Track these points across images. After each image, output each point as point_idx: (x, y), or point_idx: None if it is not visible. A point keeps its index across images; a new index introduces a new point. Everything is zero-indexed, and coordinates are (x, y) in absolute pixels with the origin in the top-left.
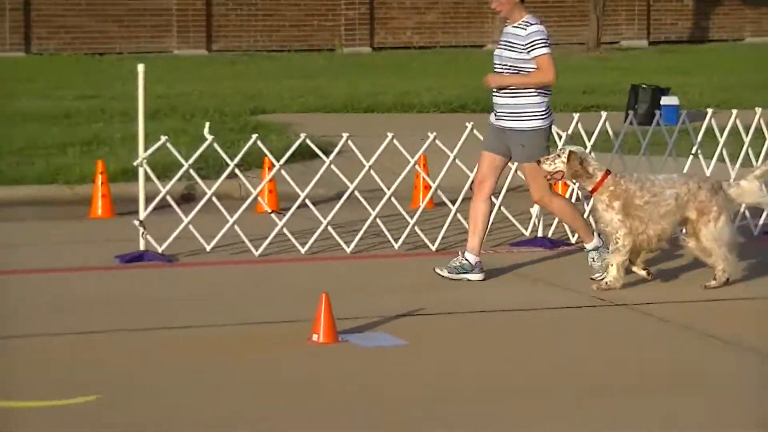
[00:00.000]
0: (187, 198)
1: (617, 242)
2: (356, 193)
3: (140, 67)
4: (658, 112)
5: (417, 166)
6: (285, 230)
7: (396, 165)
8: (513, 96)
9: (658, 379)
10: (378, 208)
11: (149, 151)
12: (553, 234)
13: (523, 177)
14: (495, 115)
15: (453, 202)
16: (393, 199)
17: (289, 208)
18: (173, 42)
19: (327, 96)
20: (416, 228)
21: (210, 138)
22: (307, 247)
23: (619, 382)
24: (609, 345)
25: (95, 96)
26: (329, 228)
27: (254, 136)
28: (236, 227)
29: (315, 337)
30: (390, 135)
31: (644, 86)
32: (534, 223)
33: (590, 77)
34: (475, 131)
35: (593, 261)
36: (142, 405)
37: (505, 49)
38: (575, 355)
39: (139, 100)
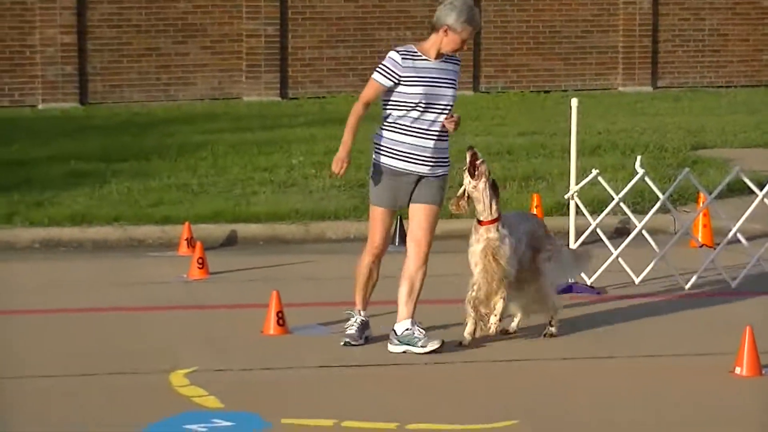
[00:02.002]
0: (621, 232)
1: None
2: None
3: (573, 102)
4: None
5: None
6: (714, 264)
7: None
8: (446, 139)
9: None
10: None
11: (580, 185)
12: None
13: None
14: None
15: None
16: None
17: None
18: (618, 79)
19: None
20: None
21: (641, 171)
22: (737, 281)
23: None
24: None
25: (537, 132)
26: (761, 263)
27: (685, 170)
28: (666, 260)
29: (738, 370)
30: None
31: None
32: None
33: None
34: None
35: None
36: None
37: (450, 87)
38: None
39: (572, 134)
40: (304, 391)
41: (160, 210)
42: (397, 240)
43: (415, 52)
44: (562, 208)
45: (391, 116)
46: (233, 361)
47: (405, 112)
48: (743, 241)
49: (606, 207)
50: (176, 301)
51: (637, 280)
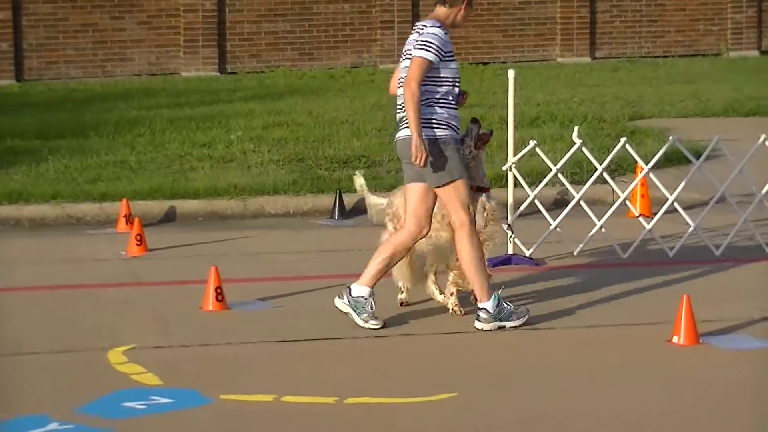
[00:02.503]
0: (560, 203)
1: None
2: (726, 196)
3: (510, 73)
4: None
5: None
6: (653, 234)
7: None
8: None
9: None
10: (748, 211)
11: (518, 156)
12: None
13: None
14: None
15: None
16: (766, 202)
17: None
18: (556, 50)
19: (708, 100)
20: None
21: (578, 142)
22: (674, 250)
23: None
24: None
25: (476, 105)
26: (698, 232)
27: (622, 140)
28: (604, 231)
29: (675, 339)
30: (762, 137)
31: None
32: None
33: None
34: None
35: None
36: (498, 404)
37: None
38: None
39: (509, 106)
40: (243, 366)
41: (98, 187)
42: (336, 214)
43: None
44: (501, 180)
45: (437, 92)
46: (172, 338)
47: (449, 87)
48: (680, 210)
49: (545, 178)
50: (115, 278)
51: (575, 251)
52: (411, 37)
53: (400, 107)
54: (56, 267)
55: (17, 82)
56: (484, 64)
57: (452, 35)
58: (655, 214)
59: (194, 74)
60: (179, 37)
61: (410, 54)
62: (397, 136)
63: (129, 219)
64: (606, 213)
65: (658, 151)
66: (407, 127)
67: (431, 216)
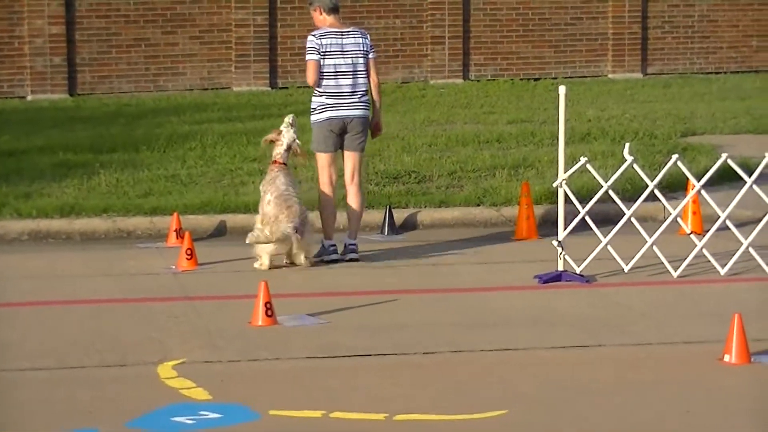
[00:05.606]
0: (611, 220)
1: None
2: None
3: (561, 89)
4: None
5: None
6: (705, 251)
7: None
8: None
9: None
10: None
11: (569, 173)
12: None
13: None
14: None
15: None
16: None
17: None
18: (608, 66)
19: (760, 117)
20: None
21: (629, 159)
22: (726, 268)
23: None
24: None
25: (527, 120)
26: (750, 249)
27: (674, 157)
28: (655, 248)
29: (727, 358)
30: None
31: None
32: None
33: None
34: None
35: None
36: (549, 422)
37: None
38: None
39: (560, 121)
40: (292, 382)
41: (149, 201)
42: (386, 229)
43: None
44: (552, 196)
45: None
46: (222, 353)
47: None
48: (732, 228)
49: (595, 195)
50: (165, 293)
51: (626, 268)
52: (354, 39)
53: (363, 93)
54: (106, 281)
55: (70, 96)
56: (536, 79)
57: (503, 50)
58: (707, 231)
59: (245, 89)
60: (231, 52)
61: (364, 54)
62: (361, 113)
63: (179, 233)
64: (657, 230)
65: (710, 168)
66: (367, 108)
67: None
